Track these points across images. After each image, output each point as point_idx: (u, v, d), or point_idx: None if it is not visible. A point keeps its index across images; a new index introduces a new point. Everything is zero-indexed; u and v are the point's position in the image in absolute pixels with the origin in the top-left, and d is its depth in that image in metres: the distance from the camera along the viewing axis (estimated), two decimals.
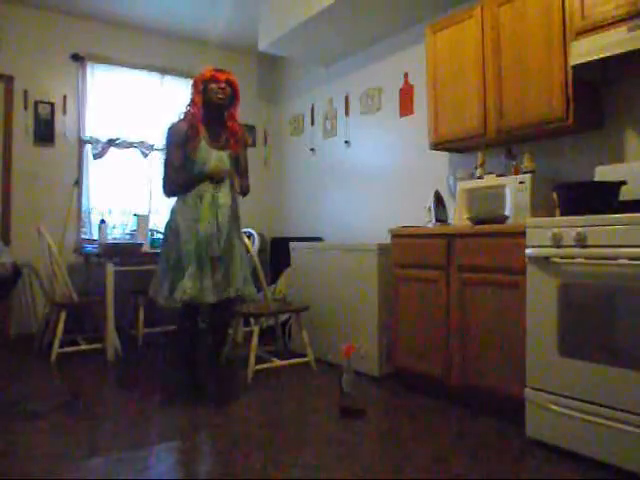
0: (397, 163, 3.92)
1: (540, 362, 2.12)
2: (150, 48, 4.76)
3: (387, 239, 3.09)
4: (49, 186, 4.30)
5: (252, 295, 2.80)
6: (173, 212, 2.73)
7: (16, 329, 4.11)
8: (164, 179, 2.71)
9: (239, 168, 2.81)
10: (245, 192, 2.89)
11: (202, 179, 2.64)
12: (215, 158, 2.66)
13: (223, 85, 2.65)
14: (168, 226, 2.73)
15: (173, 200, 2.79)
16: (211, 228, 2.62)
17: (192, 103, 2.67)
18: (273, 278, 4.47)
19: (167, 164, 2.70)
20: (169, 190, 2.74)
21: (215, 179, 2.63)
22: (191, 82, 2.73)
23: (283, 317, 3.87)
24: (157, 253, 4.25)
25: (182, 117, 2.69)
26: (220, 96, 2.64)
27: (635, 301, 1.83)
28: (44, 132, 4.29)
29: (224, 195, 2.68)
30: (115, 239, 4.37)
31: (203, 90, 2.65)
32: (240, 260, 2.73)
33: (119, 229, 4.51)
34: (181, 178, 2.66)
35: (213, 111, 2.69)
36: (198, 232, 2.59)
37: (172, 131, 2.68)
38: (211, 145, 2.67)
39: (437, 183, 3.42)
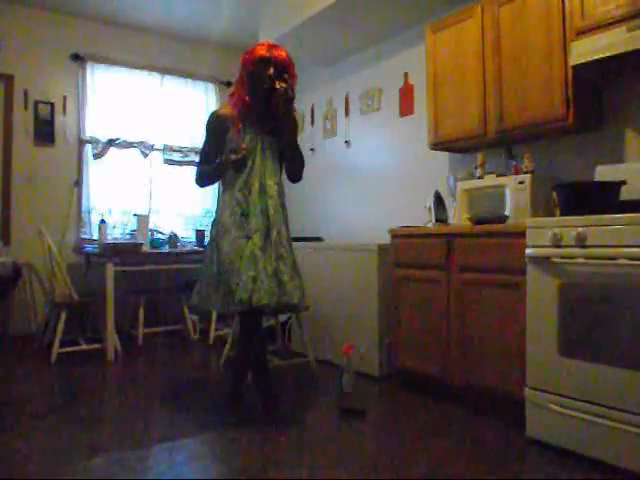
0: (397, 163, 3.92)
1: (540, 362, 2.12)
2: (150, 48, 4.76)
3: (387, 239, 3.09)
4: (49, 186, 4.30)
5: (306, 307, 2.64)
6: (219, 207, 2.50)
7: (16, 329, 4.11)
8: (196, 169, 2.57)
9: (286, 155, 2.55)
10: (295, 175, 2.61)
11: (223, 168, 2.41)
12: (262, 145, 2.45)
13: (271, 72, 2.35)
14: (214, 224, 2.51)
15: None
16: (262, 222, 2.39)
17: (241, 86, 2.44)
18: None
19: (200, 153, 2.56)
20: (198, 180, 2.57)
21: (238, 163, 2.35)
22: (241, 58, 2.47)
23: (283, 317, 3.87)
24: (164, 253, 4.31)
25: (228, 101, 2.52)
26: (266, 86, 2.36)
27: (635, 301, 1.83)
28: (44, 132, 4.29)
29: (273, 184, 2.45)
30: (115, 239, 4.37)
31: (250, 71, 2.40)
32: (290, 258, 2.49)
33: (119, 229, 4.51)
34: (206, 168, 2.49)
35: (262, 93, 2.40)
36: (250, 227, 2.37)
37: (211, 118, 2.50)
38: (260, 131, 2.45)
39: (437, 183, 3.42)
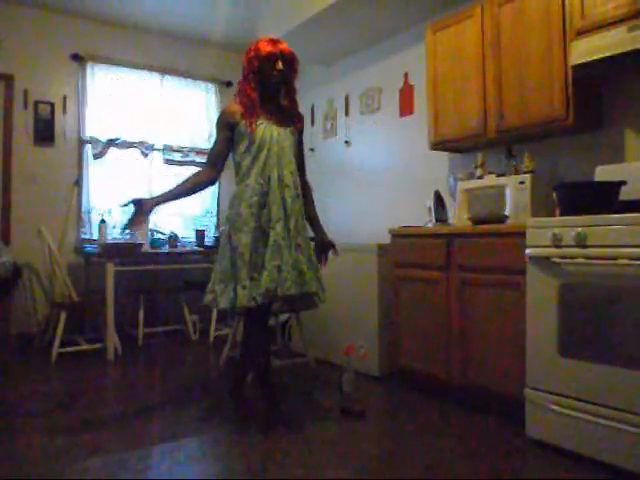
0: (397, 163, 3.92)
1: (540, 362, 2.12)
2: (150, 48, 4.76)
3: (387, 239, 3.09)
4: (49, 186, 4.30)
5: (323, 300, 2.49)
6: (234, 199, 2.40)
7: (16, 329, 4.11)
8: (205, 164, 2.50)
9: (299, 157, 2.57)
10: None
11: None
12: (277, 134, 2.42)
13: (280, 66, 2.37)
14: (228, 219, 2.42)
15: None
16: (281, 213, 2.35)
17: (246, 83, 2.41)
18: None
19: (211, 149, 2.48)
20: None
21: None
22: (244, 56, 2.45)
23: (283, 317, 3.87)
24: (164, 253, 4.31)
25: (234, 100, 2.47)
26: (277, 78, 2.40)
27: (635, 301, 1.83)
28: (44, 132, 4.28)
29: (289, 173, 2.41)
30: (115, 239, 4.37)
31: (258, 68, 2.39)
32: (307, 249, 2.44)
33: (119, 229, 4.51)
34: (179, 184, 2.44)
35: (270, 88, 2.44)
36: (269, 218, 2.33)
37: (221, 115, 2.48)
38: (272, 123, 2.43)
39: (437, 183, 3.42)
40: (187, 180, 2.45)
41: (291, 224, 2.37)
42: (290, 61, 2.43)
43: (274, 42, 2.42)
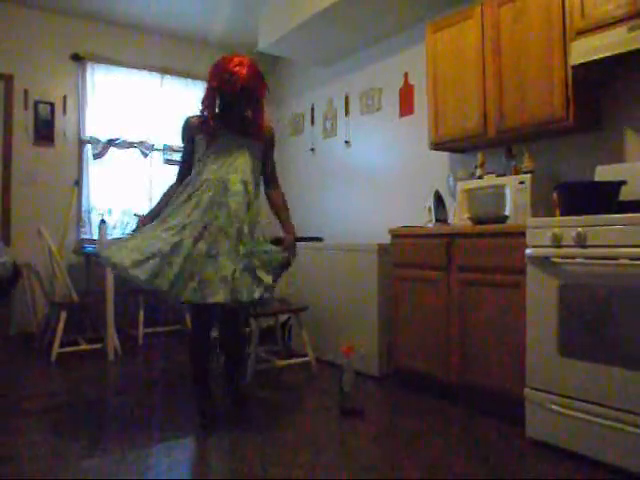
0: (397, 163, 3.92)
1: (540, 362, 2.12)
2: (150, 48, 4.76)
3: (387, 239, 3.09)
4: (49, 186, 4.30)
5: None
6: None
7: (16, 329, 4.11)
8: (179, 167, 2.56)
9: (266, 168, 2.57)
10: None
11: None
12: (231, 143, 2.42)
13: (238, 89, 2.32)
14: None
15: None
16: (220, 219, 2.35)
17: (208, 103, 2.41)
18: None
19: (182, 163, 2.53)
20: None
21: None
22: (209, 77, 2.42)
23: (283, 317, 3.87)
24: None
25: (198, 113, 2.47)
26: (234, 99, 2.38)
27: (635, 301, 1.83)
28: (44, 132, 4.28)
29: (239, 182, 2.40)
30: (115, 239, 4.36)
31: (218, 88, 2.37)
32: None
33: (119, 229, 4.51)
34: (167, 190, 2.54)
35: (230, 103, 2.43)
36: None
37: (184, 125, 2.49)
38: (231, 131, 2.44)
39: (437, 183, 3.42)
40: (166, 195, 2.53)
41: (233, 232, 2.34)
42: (250, 87, 2.35)
43: (235, 65, 2.34)
